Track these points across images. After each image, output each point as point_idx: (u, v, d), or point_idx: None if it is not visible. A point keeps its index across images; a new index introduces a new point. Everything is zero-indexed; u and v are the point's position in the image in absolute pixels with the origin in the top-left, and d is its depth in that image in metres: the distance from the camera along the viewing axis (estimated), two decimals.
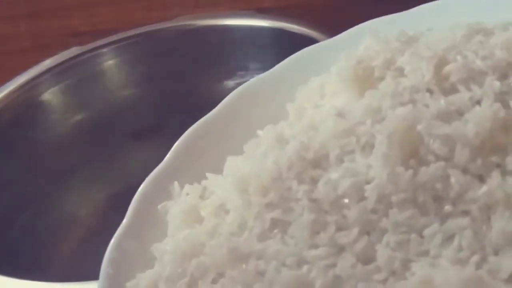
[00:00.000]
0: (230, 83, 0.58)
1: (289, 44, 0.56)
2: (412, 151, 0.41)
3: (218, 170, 0.51)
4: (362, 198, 0.42)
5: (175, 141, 0.54)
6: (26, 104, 0.59)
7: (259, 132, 0.52)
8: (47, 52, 0.66)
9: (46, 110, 0.60)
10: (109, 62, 0.62)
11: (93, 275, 0.49)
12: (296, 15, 0.55)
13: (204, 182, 0.51)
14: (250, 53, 0.58)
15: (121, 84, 0.59)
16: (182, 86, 0.60)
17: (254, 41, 0.57)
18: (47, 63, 0.63)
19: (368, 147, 0.44)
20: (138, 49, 0.61)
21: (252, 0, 0.66)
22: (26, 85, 0.60)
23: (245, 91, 0.55)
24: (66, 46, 0.66)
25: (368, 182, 0.42)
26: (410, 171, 0.41)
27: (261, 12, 0.57)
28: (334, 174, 0.43)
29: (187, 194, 0.51)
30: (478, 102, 0.44)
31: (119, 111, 0.60)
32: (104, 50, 0.62)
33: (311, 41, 0.53)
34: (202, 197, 0.50)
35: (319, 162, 0.45)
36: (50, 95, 0.61)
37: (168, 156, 0.53)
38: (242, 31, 0.57)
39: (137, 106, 0.60)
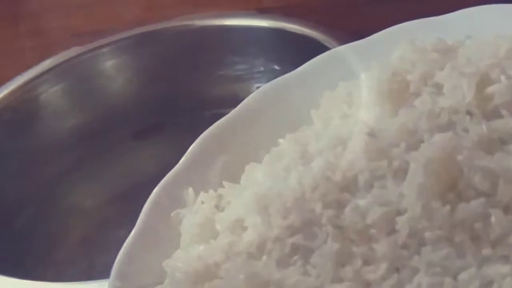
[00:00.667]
0: (229, 83, 0.56)
1: (289, 44, 0.54)
2: (450, 184, 0.38)
3: (236, 177, 0.49)
4: (393, 231, 0.39)
5: (175, 142, 0.52)
6: (26, 104, 0.57)
7: (281, 140, 0.49)
8: (47, 52, 0.63)
9: (46, 110, 0.58)
10: (109, 62, 0.59)
11: (93, 276, 0.47)
12: (296, 15, 0.52)
13: (220, 190, 0.48)
14: (250, 53, 0.56)
15: (121, 84, 0.56)
16: (182, 86, 0.58)
17: (254, 41, 0.55)
18: (47, 63, 0.61)
19: (400, 173, 0.41)
20: (138, 49, 0.59)
21: (252, 0, 0.63)
22: (26, 85, 0.58)
23: (267, 93, 0.52)
24: (66, 46, 0.64)
25: (399, 213, 0.39)
26: (447, 207, 0.38)
27: (261, 12, 0.54)
28: (362, 201, 0.40)
29: (202, 202, 0.48)
30: None
31: (119, 111, 0.58)
32: (104, 50, 0.60)
33: (311, 41, 0.51)
34: (217, 206, 0.48)
35: (347, 185, 0.42)
36: (50, 95, 0.59)
37: (182, 160, 0.50)
38: (242, 31, 0.55)
39: (137, 106, 0.58)
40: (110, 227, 0.52)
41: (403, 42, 0.48)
